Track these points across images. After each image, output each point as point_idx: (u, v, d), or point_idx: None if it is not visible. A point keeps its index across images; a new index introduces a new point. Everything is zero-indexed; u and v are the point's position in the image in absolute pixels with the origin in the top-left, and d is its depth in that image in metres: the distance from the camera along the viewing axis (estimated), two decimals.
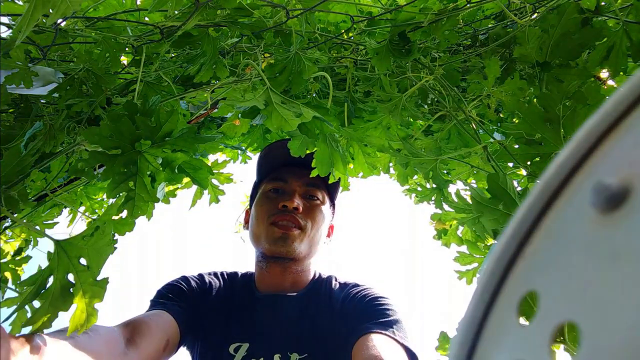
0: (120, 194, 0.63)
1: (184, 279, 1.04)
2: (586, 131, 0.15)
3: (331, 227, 1.16)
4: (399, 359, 0.81)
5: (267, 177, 1.11)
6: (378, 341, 0.83)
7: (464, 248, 1.04)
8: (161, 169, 0.66)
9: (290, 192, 1.06)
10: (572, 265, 0.14)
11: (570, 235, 0.15)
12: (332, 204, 1.16)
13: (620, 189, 0.14)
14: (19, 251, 1.02)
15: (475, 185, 1.05)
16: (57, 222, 0.95)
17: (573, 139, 0.16)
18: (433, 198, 1.02)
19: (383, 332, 0.86)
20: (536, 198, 0.16)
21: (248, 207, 1.20)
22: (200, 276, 1.06)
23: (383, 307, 0.94)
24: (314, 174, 0.95)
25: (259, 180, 1.15)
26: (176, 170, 0.65)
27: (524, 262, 0.16)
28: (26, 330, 0.54)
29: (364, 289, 1.01)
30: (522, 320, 0.16)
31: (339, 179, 1.00)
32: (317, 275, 1.09)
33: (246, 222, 1.16)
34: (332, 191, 1.14)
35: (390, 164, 1.11)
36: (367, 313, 0.93)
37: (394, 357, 0.79)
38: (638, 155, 0.14)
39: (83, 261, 0.53)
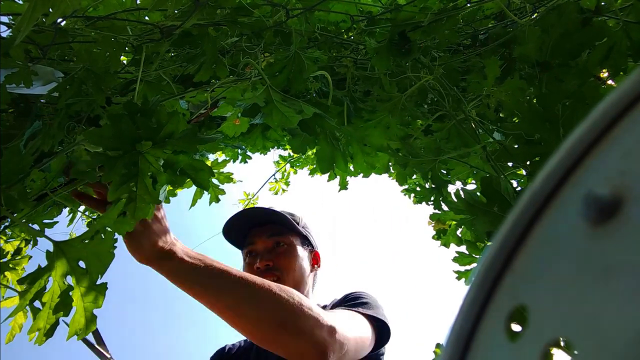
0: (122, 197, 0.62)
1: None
2: (575, 139, 0.15)
3: (316, 256, 1.27)
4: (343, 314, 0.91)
5: (244, 244, 1.25)
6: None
7: (463, 248, 1.04)
8: (162, 170, 0.65)
9: (259, 253, 1.18)
10: (564, 279, 0.14)
11: (560, 248, 0.14)
12: (304, 239, 1.26)
13: (612, 200, 0.13)
14: (18, 251, 1.02)
15: (474, 187, 1.05)
16: (57, 222, 0.95)
17: (561, 148, 0.15)
18: (432, 198, 1.02)
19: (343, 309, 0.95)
20: (524, 208, 0.16)
21: None
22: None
23: (353, 295, 1.05)
24: (313, 172, 0.96)
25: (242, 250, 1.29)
26: (178, 173, 0.65)
27: (513, 275, 0.15)
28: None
29: (346, 293, 1.10)
30: (515, 327, 0.15)
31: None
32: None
33: None
34: (297, 230, 1.25)
35: (390, 164, 1.11)
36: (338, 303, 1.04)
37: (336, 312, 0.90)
38: (630, 165, 0.14)
39: (82, 264, 0.53)
